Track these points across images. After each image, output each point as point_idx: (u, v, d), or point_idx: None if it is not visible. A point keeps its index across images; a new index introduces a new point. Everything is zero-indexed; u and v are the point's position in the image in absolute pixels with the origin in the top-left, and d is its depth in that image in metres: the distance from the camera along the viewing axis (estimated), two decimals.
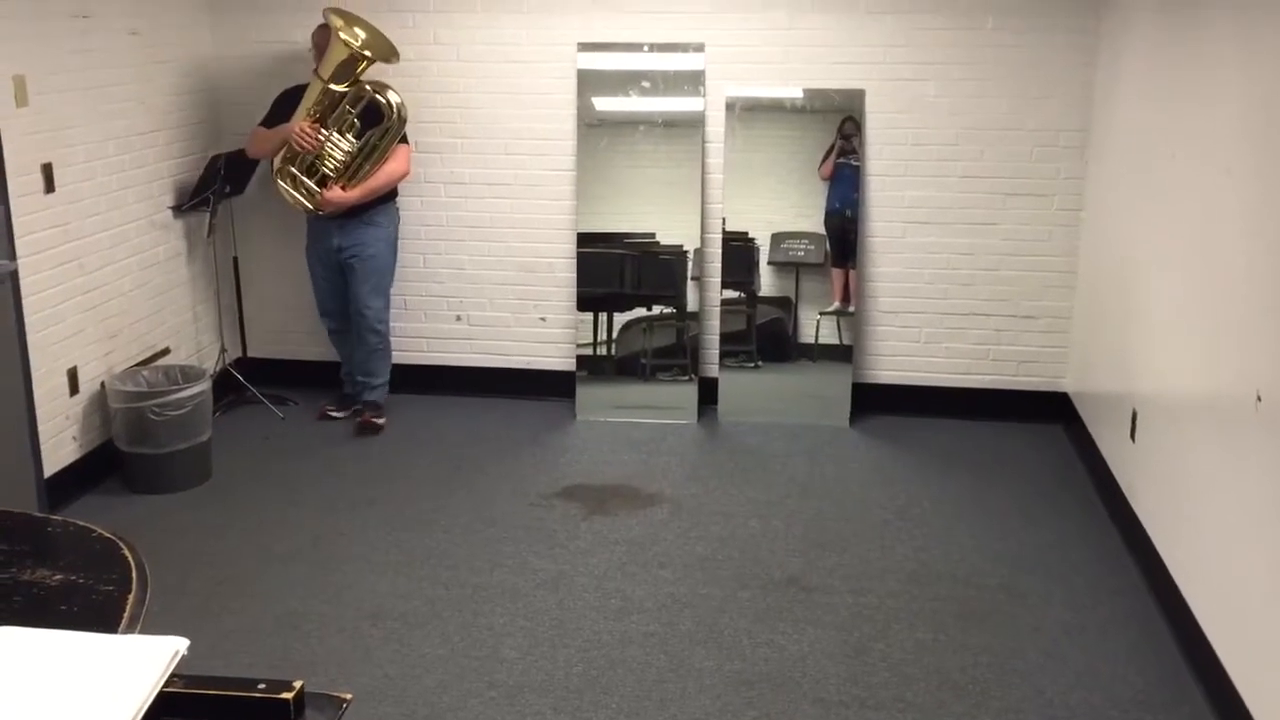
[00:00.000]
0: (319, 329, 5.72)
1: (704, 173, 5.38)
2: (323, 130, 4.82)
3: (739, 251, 5.45)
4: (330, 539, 4.18)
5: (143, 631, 1.76)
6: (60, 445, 4.42)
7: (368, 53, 4.77)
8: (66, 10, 4.39)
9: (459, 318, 5.64)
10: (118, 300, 4.76)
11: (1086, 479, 4.71)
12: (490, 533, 4.23)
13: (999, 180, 5.19)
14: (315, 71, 4.83)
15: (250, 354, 5.71)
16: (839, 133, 5.28)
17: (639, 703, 3.19)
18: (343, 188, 4.88)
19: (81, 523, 2.13)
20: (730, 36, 5.23)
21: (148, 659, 1.40)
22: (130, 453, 4.55)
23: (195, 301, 5.38)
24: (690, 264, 5.47)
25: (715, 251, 5.44)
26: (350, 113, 4.84)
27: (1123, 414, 4.26)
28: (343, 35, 4.72)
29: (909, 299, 5.38)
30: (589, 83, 5.35)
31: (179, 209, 5.14)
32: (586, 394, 5.50)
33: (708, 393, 5.48)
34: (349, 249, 5.03)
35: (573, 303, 5.52)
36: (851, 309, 5.40)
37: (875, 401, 5.43)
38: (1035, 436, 5.19)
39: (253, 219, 5.58)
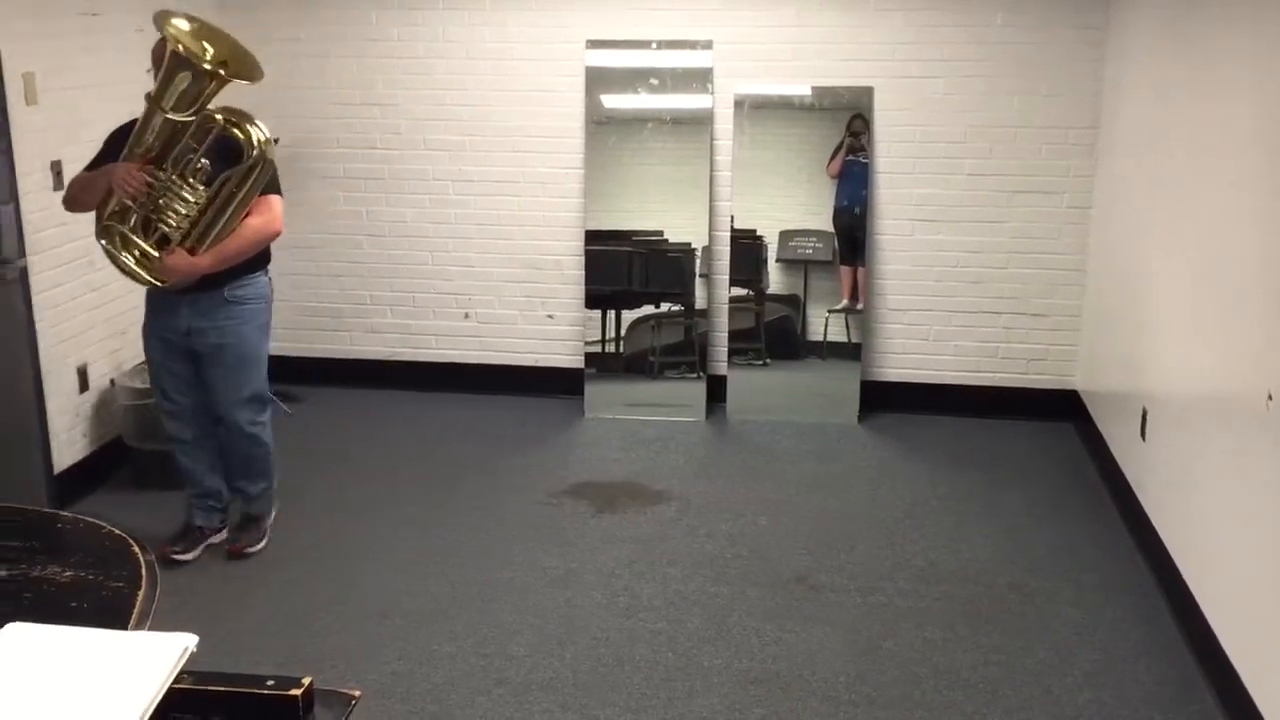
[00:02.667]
0: (327, 325, 5.73)
1: (712, 170, 5.37)
2: (158, 173, 3.53)
3: (747, 249, 5.44)
4: (338, 536, 4.19)
5: (152, 628, 1.76)
6: (70, 442, 4.43)
7: (220, 70, 3.46)
8: (75, 8, 4.40)
9: (467, 315, 5.64)
10: (126, 297, 4.76)
11: (1096, 477, 4.70)
12: (498, 530, 4.23)
13: (1008, 178, 5.17)
14: (150, 96, 3.52)
15: None
16: (847, 130, 5.27)
17: (646, 700, 3.19)
18: (191, 251, 3.59)
19: (91, 519, 2.13)
20: (738, 33, 5.22)
21: (157, 655, 1.40)
22: (139, 449, 4.56)
23: None
24: (698, 261, 5.46)
25: (724, 249, 5.43)
26: (195, 150, 3.52)
27: (1133, 412, 4.24)
28: (182, 47, 3.44)
29: (917, 296, 5.37)
30: (597, 80, 5.35)
31: None
32: (595, 391, 5.49)
33: (716, 390, 5.48)
34: (203, 333, 3.77)
35: (581, 300, 5.52)
36: (860, 306, 5.39)
37: (884, 399, 5.42)
38: (1044, 435, 5.17)
39: None
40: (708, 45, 5.26)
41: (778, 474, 4.76)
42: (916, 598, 3.75)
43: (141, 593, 1.82)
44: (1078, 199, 5.15)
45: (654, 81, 5.37)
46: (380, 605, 3.69)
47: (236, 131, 3.54)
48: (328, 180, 5.55)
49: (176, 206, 3.56)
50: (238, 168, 3.55)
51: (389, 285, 5.64)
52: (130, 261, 3.63)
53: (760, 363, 5.53)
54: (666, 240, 5.48)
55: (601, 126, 5.40)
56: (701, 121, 5.34)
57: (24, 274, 4.09)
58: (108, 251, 3.67)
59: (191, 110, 3.50)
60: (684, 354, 5.53)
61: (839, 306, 5.44)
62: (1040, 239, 5.22)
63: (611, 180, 5.44)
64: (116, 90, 4.65)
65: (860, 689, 3.25)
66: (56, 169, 4.26)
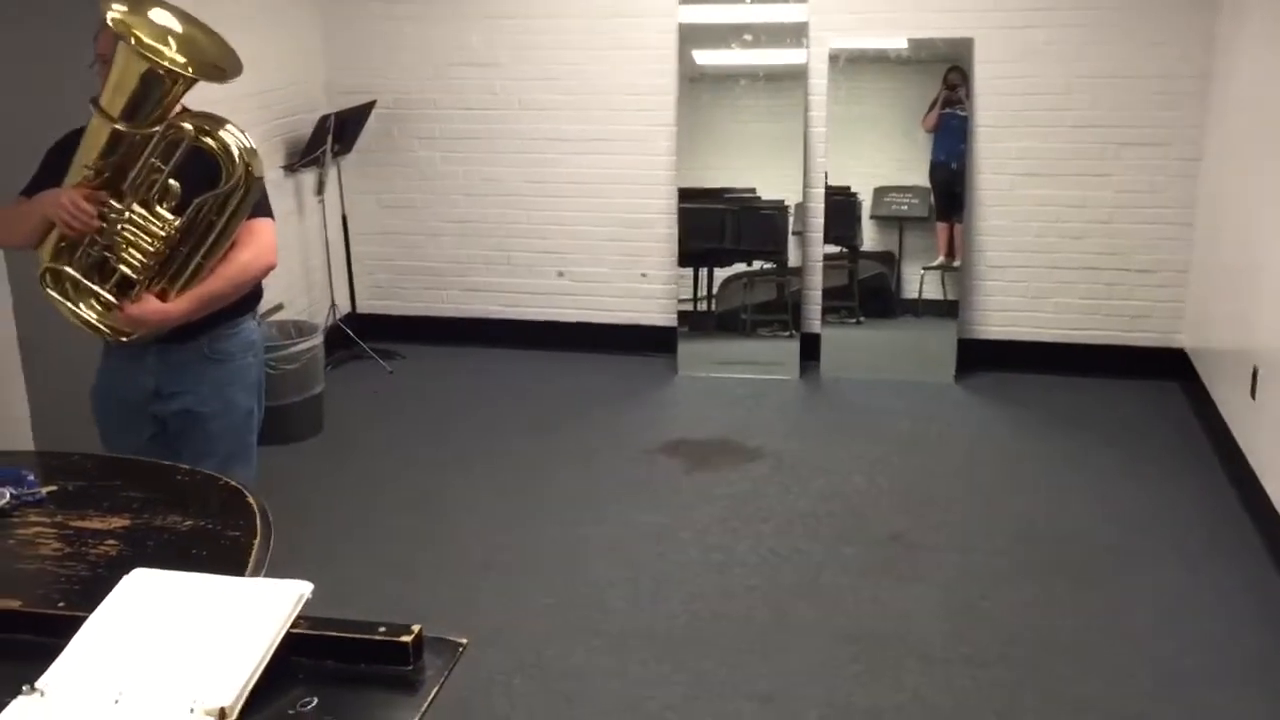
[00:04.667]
0: (426, 283, 5.83)
1: (806, 126, 5.31)
2: (113, 202, 2.67)
3: (841, 206, 5.38)
4: (438, 491, 4.28)
5: (266, 575, 1.83)
6: None
7: (188, 69, 2.63)
8: None
9: (561, 273, 5.69)
10: None
11: (1203, 438, 4.57)
12: (594, 486, 4.28)
13: (1113, 129, 5.02)
14: (95, 103, 2.65)
15: (359, 310, 5.83)
16: (944, 83, 5.16)
17: (741, 655, 3.21)
18: (161, 295, 2.74)
19: (207, 472, 2.22)
20: None
21: (276, 601, 1.46)
22: None
23: (307, 258, 5.52)
24: (792, 219, 5.42)
25: (817, 206, 5.38)
26: (160, 170, 2.66)
27: (1243, 370, 4.12)
28: (135, 38, 2.60)
29: (1017, 253, 5.26)
30: (690, 36, 5.31)
31: (290, 168, 5.26)
32: (688, 349, 5.50)
33: (810, 349, 5.45)
34: (176, 398, 2.89)
35: (674, 258, 5.52)
36: (957, 263, 5.30)
37: (981, 357, 5.33)
38: (1149, 394, 5.05)
39: (361, 177, 5.68)
40: None
41: (872, 432, 4.73)
42: (1014, 558, 3.71)
43: (257, 541, 1.90)
44: (1186, 150, 4.98)
45: (747, 37, 5.31)
46: (480, 557, 3.77)
47: (211, 143, 2.66)
48: (426, 141, 5.61)
49: (141, 243, 2.68)
50: (216, 190, 2.66)
51: (486, 244, 5.71)
52: (90, 314, 2.75)
53: (854, 320, 5.48)
54: (759, 197, 5.45)
55: (695, 83, 5.37)
56: (795, 77, 5.28)
57: None
58: (55, 302, 2.77)
59: (152, 120, 2.64)
60: (777, 312, 5.50)
61: (935, 263, 5.36)
62: (1146, 192, 5.06)
63: (704, 137, 5.41)
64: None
65: (956, 648, 3.23)
66: None
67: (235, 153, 2.65)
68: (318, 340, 4.82)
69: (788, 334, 5.47)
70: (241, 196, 2.68)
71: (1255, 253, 4.13)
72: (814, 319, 5.48)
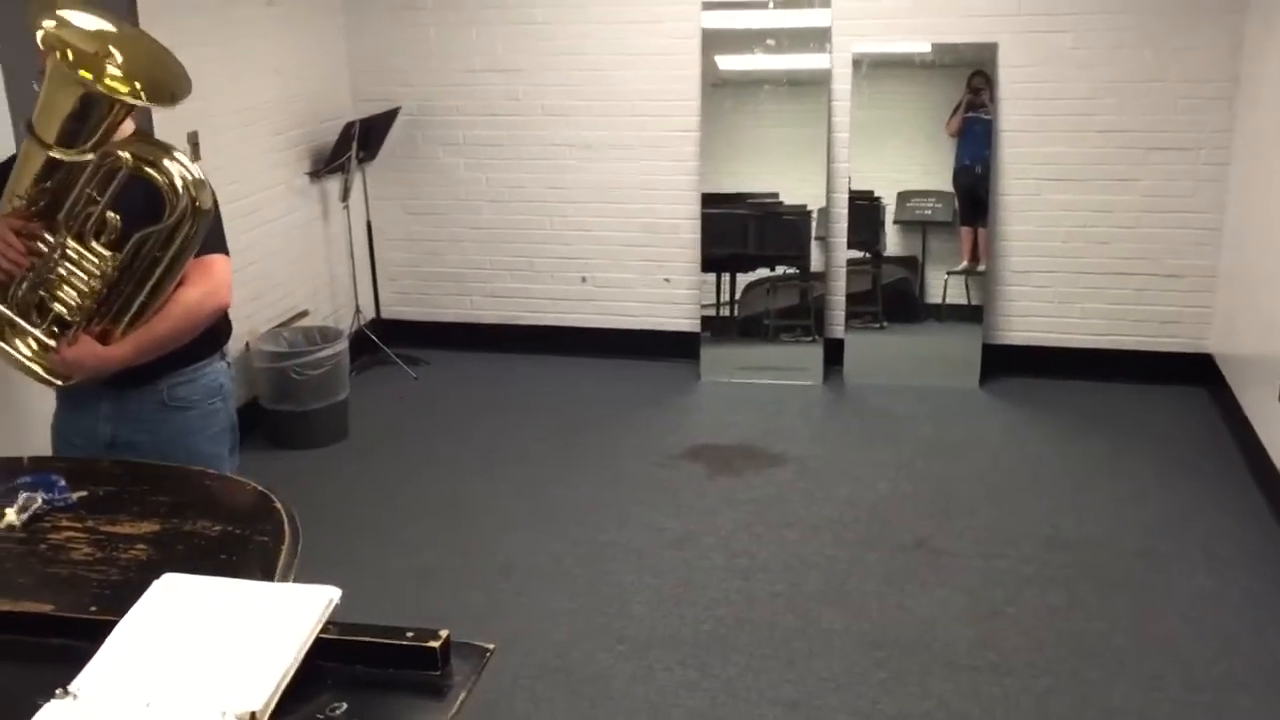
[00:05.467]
0: (449, 289, 5.85)
1: (829, 131, 5.30)
2: (46, 235, 2.45)
3: (864, 211, 5.36)
4: (462, 496, 4.29)
5: (294, 581, 1.84)
6: None
7: (127, 94, 2.37)
8: None
9: (584, 279, 5.70)
10: (260, 264, 4.93)
11: (1231, 443, 4.54)
12: (617, 492, 4.28)
13: (1139, 134, 4.99)
14: (28, 126, 2.42)
15: (383, 315, 5.85)
16: (968, 87, 5.14)
17: (766, 661, 3.21)
18: (103, 335, 2.51)
19: (235, 477, 2.23)
20: None
21: (305, 606, 1.47)
22: (273, 410, 4.73)
23: (331, 264, 5.55)
24: (814, 224, 5.41)
25: (841, 211, 5.37)
26: (96, 201, 2.42)
27: (1271, 376, 4.08)
28: (68, 54, 2.35)
29: (1042, 258, 5.23)
30: (713, 41, 5.31)
31: (315, 174, 5.29)
32: (710, 355, 5.50)
33: (833, 354, 5.44)
34: (132, 447, 2.64)
35: (697, 264, 5.52)
36: (981, 268, 5.28)
37: (1006, 363, 5.31)
38: (1176, 399, 5.01)
39: (385, 183, 5.71)
40: (825, 4, 5.18)
41: (896, 438, 4.72)
42: (1040, 563, 3.69)
43: (285, 546, 1.90)
44: (1215, 155, 4.94)
45: (770, 42, 5.31)
46: (503, 563, 3.78)
47: (153, 174, 2.39)
48: (449, 147, 5.64)
49: (76, 280, 2.45)
50: (158, 225, 2.41)
51: (508, 250, 5.73)
52: (22, 354, 2.52)
53: (878, 326, 5.46)
54: (782, 203, 5.44)
55: (717, 89, 5.37)
56: (819, 82, 5.27)
57: None
58: None
59: (88, 145, 2.39)
60: (800, 317, 5.49)
61: (959, 268, 5.34)
62: (1174, 197, 5.03)
63: (727, 143, 5.41)
64: (248, 62, 4.80)
65: (983, 654, 3.21)
66: (193, 140, 4.42)
67: (179, 184, 2.38)
68: (343, 346, 4.84)
69: (811, 339, 5.46)
70: (188, 232, 2.43)
71: None
72: (837, 324, 5.47)
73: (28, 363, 2.53)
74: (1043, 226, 5.19)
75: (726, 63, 5.36)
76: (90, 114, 2.35)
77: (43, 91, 2.36)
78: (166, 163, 2.39)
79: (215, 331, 2.70)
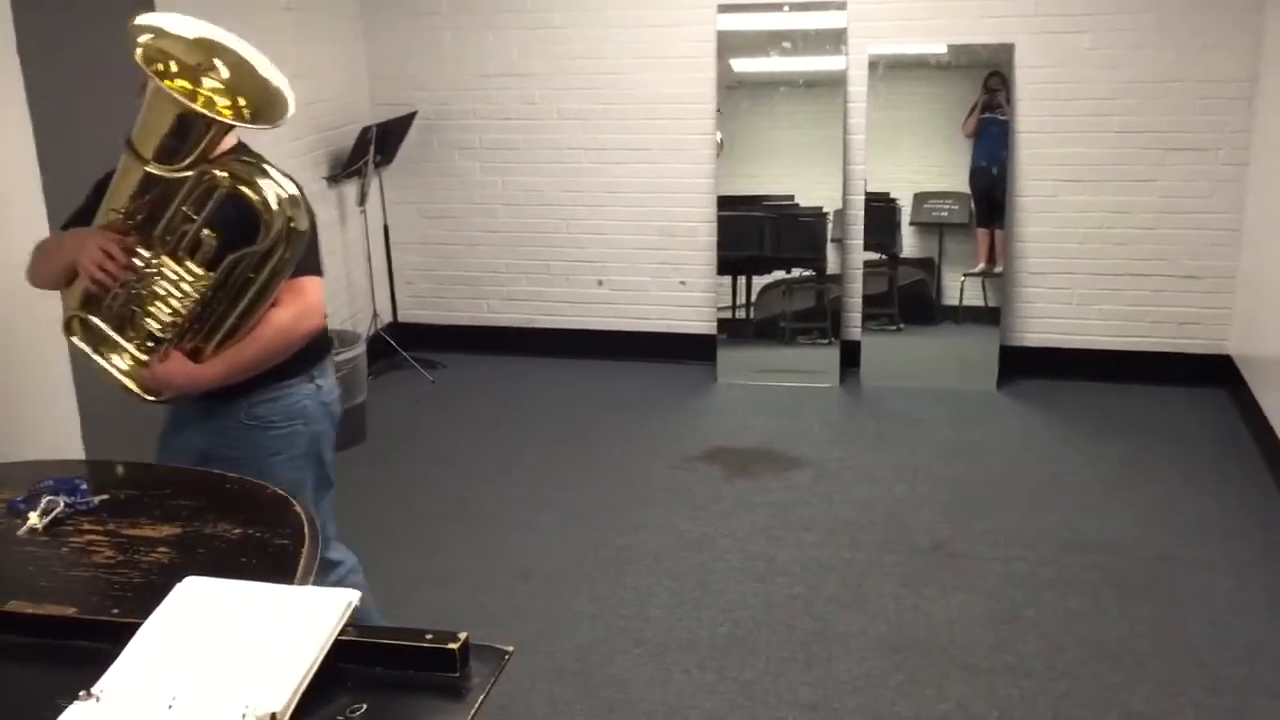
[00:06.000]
0: (466, 292, 5.87)
1: (845, 133, 5.30)
2: (141, 250, 2.43)
3: (880, 212, 5.36)
4: (479, 499, 4.30)
5: (314, 584, 1.85)
6: None
7: (225, 112, 2.36)
8: None
9: (600, 282, 5.70)
10: None
11: (1252, 445, 4.51)
12: (634, 494, 4.28)
13: (1158, 135, 4.97)
14: (128, 143, 2.39)
15: (400, 319, 5.87)
16: (984, 88, 5.13)
17: (784, 664, 3.20)
18: (194, 352, 2.49)
19: (254, 480, 2.24)
20: None
21: (324, 609, 1.47)
22: None
23: (349, 268, 5.57)
24: (831, 226, 5.41)
25: (857, 213, 5.36)
26: (192, 220, 2.40)
27: None
28: (167, 75, 2.32)
29: (1060, 259, 5.21)
30: (728, 44, 5.31)
31: (333, 179, 5.32)
32: (727, 357, 5.50)
33: (850, 356, 5.43)
34: (220, 465, 2.54)
35: (713, 266, 5.52)
36: (998, 270, 5.27)
37: (1024, 365, 5.29)
38: (1196, 401, 4.98)
39: (402, 188, 5.73)
40: (841, 5, 5.17)
41: (913, 440, 4.70)
42: (1060, 567, 3.68)
43: (305, 549, 1.91)
44: (1234, 156, 4.91)
45: (786, 44, 5.31)
46: (521, 566, 3.78)
47: (248, 194, 2.35)
48: (465, 151, 5.66)
49: (170, 298, 2.44)
50: (253, 248, 2.36)
51: (525, 253, 5.74)
52: (115, 368, 2.54)
53: (894, 328, 5.45)
54: (798, 205, 5.44)
55: (733, 91, 5.37)
56: (834, 84, 5.27)
57: None
58: (83, 353, 2.58)
59: (186, 162, 2.35)
60: (816, 319, 5.48)
61: (976, 270, 5.32)
62: (1193, 198, 5.01)
63: (743, 145, 5.41)
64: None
65: (1001, 657, 3.20)
66: None
67: (275, 205, 2.34)
68: (360, 350, 4.86)
69: (827, 341, 5.45)
70: (282, 254, 2.38)
71: None
72: (854, 326, 5.46)
73: (120, 377, 2.54)
74: (1060, 228, 5.18)
75: (742, 65, 5.36)
76: (189, 131, 2.32)
77: (142, 107, 2.35)
78: (262, 183, 2.35)
79: (304, 352, 2.62)
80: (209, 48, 2.38)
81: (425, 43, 5.55)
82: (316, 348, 2.66)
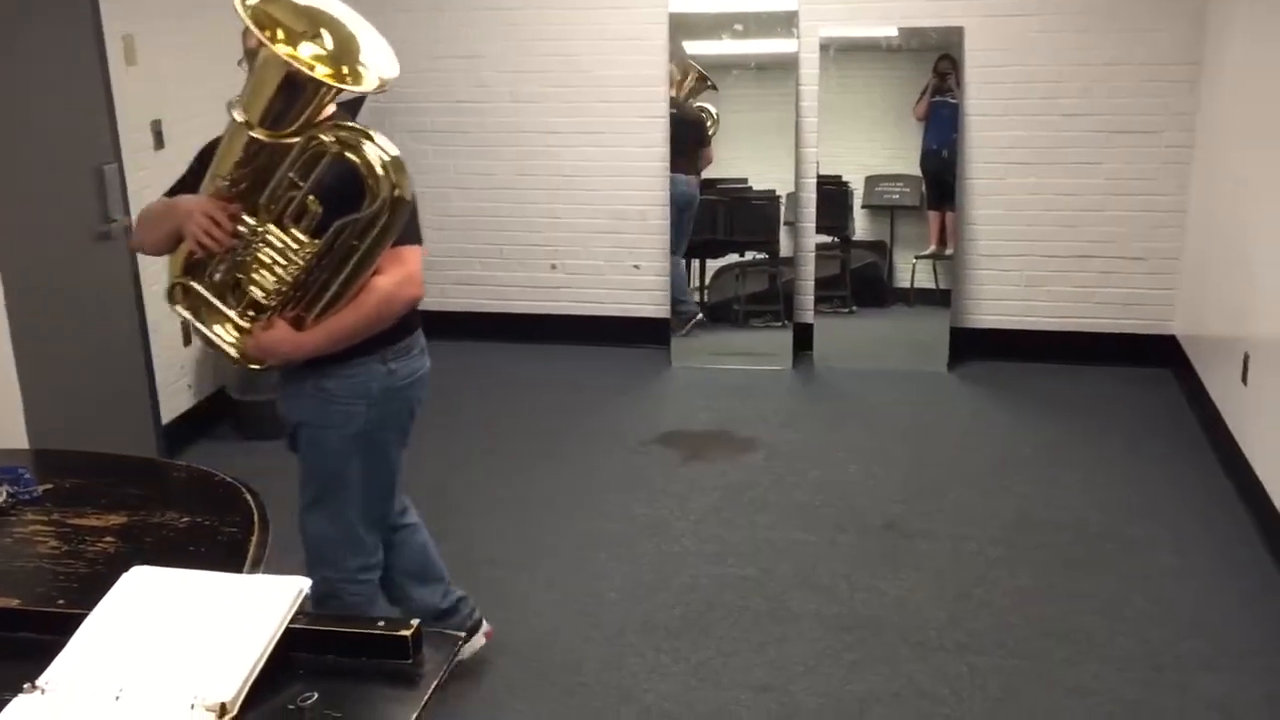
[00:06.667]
0: (429, 279, 5.81)
1: (797, 116, 5.31)
2: (247, 219, 2.44)
3: (833, 195, 5.38)
4: (432, 485, 4.27)
5: (264, 572, 1.84)
6: (176, 393, 4.58)
7: (332, 77, 2.37)
8: None
9: (554, 266, 5.68)
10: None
11: (1195, 424, 4.59)
12: (589, 479, 4.28)
13: (1104, 118, 5.03)
14: (233, 106, 2.42)
15: None
16: (934, 71, 5.16)
17: (738, 644, 3.22)
18: (295, 321, 2.51)
19: (204, 468, 2.22)
20: None
21: (275, 597, 1.46)
22: (241, 400, 4.70)
23: None
24: (783, 209, 5.43)
25: (809, 196, 5.39)
26: (299, 187, 2.40)
27: (1234, 357, 4.13)
28: (277, 37, 2.32)
29: (1009, 241, 5.27)
30: (680, 27, 5.30)
31: None
32: (681, 341, 5.51)
33: (803, 339, 5.46)
34: (297, 426, 2.71)
35: (666, 250, 5.52)
36: (949, 252, 5.31)
37: (974, 346, 5.35)
38: (1142, 381, 5.06)
39: None
40: None
41: (866, 422, 4.74)
42: (1009, 545, 3.73)
43: (254, 538, 1.90)
44: (1178, 138, 4.99)
45: (738, 27, 5.31)
46: (476, 550, 3.77)
47: (355, 159, 2.35)
48: (417, 134, 5.60)
49: (275, 265, 2.44)
50: (358, 215, 2.36)
51: (477, 238, 5.71)
52: (219, 337, 2.57)
53: (847, 310, 5.49)
54: (751, 188, 5.45)
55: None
56: (786, 66, 5.28)
57: (128, 232, 4.21)
58: (184, 320, 2.62)
59: (292, 129, 2.37)
60: (769, 302, 5.51)
61: (927, 252, 5.37)
62: (1138, 180, 5.08)
63: None
64: (214, 50, 4.74)
65: (952, 635, 3.24)
66: (157, 129, 4.37)
67: (381, 171, 2.34)
68: None
69: (780, 324, 5.48)
70: (386, 221, 2.38)
71: (1246, 239, 4.15)
72: (807, 309, 5.49)
73: (224, 345, 2.56)
74: (1009, 210, 5.23)
75: (694, 48, 5.35)
76: (297, 96, 2.32)
77: (251, 72, 2.36)
78: (368, 148, 2.34)
79: (393, 328, 2.60)
80: (314, 15, 2.39)
81: (373, 24, 5.47)
82: (393, 329, 2.61)
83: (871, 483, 4.19)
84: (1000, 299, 5.35)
